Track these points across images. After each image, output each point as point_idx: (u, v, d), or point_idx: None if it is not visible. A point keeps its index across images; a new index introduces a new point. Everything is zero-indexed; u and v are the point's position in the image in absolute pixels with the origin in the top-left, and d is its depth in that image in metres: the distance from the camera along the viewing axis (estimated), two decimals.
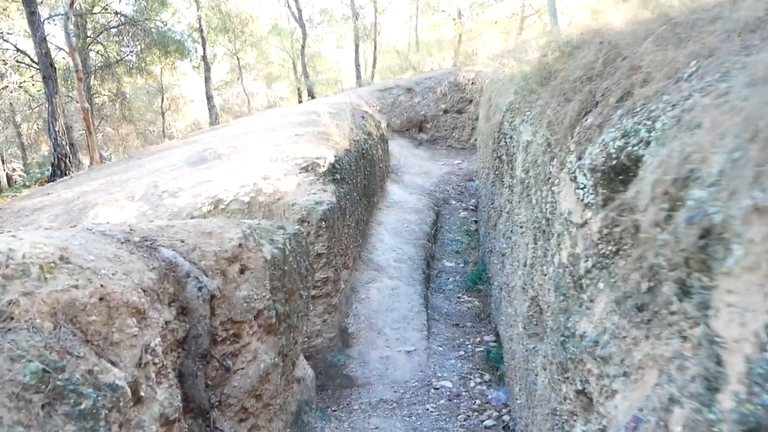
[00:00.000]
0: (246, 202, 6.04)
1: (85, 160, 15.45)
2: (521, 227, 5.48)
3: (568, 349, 3.67)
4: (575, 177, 3.62)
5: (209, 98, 16.45)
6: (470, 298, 8.08)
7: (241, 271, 3.63)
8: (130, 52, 23.31)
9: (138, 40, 22.37)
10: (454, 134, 15.19)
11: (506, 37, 26.52)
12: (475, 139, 14.57)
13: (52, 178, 11.45)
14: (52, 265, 2.29)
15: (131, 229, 3.14)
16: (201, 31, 17.21)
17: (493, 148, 8.28)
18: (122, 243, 2.95)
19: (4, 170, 19.09)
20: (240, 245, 3.62)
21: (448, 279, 8.75)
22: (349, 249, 7.04)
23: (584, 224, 3.44)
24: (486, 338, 6.96)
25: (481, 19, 28.37)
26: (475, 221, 11.27)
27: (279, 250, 4.01)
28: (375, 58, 25.18)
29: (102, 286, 2.40)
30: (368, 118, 11.50)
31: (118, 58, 23.04)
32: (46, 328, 2.04)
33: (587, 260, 3.41)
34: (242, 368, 3.60)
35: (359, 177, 8.47)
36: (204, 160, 7.75)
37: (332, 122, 8.44)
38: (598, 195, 3.18)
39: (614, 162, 2.94)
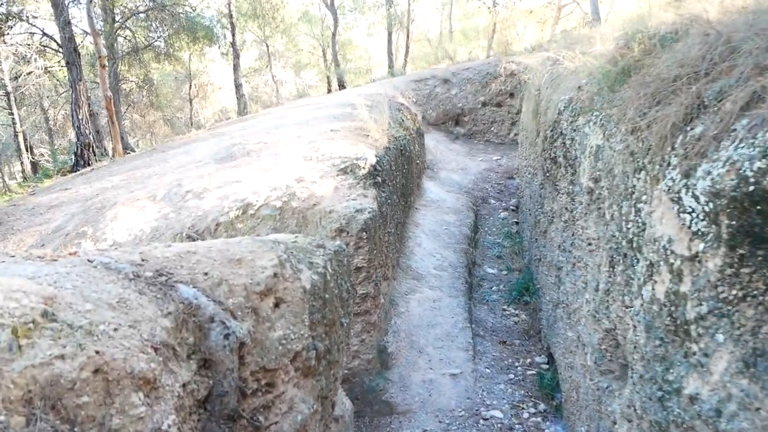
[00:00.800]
0: (278, 208, 5.44)
1: (111, 149, 15.13)
2: (589, 243, 4.78)
3: (671, 410, 2.99)
4: (679, 198, 2.94)
5: (238, 87, 15.93)
6: (516, 311, 7.40)
7: (276, 305, 3.02)
8: (158, 37, 22.95)
9: (166, 25, 21.99)
10: (492, 128, 14.42)
11: (542, 27, 25.55)
12: (516, 135, 13.79)
13: (74, 168, 11.05)
14: (31, 326, 1.68)
15: (143, 260, 2.55)
16: (231, 16, 16.65)
17: (543, 147, 7.55)
18: (130, 280, 2.34)
19: (30, 158, 18.90)
20: (275, 274, 3.02)
21: (492, 288, 8.08)
22: (389, 258, 6.42)
23: (694, 258, 2.75)
24: (537, 359, 6.29)
25: (516, 8, 27.36)
26: (516, 223, 10.55)
27: (319, 275, 3.40)
28: (407, 47, 24.39)
29: (98, 352, 1.78)
30: (404, 111, 10.83)
31: (146, 43, 22.69)
32: (14, 425, 1.44)
33: (700, 303, 2.74)
34: (276, 422, 3.00)
35: (398, 177, 7.83)
36: (232, 157, 7.19)
37: (369, 116, 7.80)
38: (720, 225, 2.50)
39: (751, 188, 2.26)
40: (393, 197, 6.97)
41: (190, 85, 31.06)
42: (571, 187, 5.74)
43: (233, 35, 16.08)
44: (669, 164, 3.33)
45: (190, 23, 21.72)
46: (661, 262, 3.25)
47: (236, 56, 16.10)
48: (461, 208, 10.49)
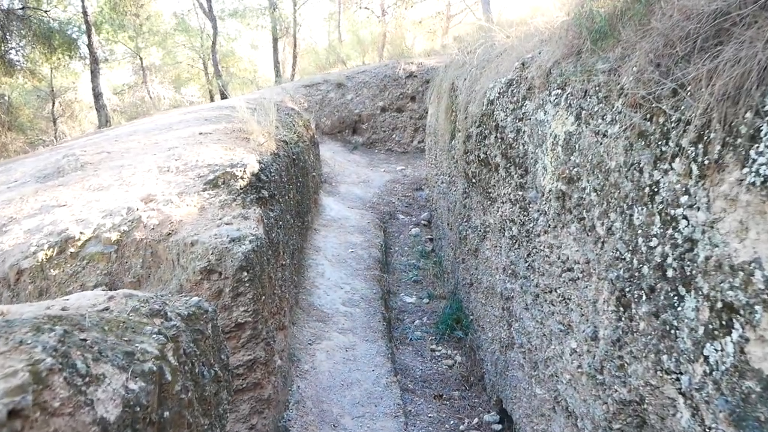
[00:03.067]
0: (113, 242, 3.62)
1: None
2: (568, 269, 3.44)
3: None
4: None
5: (97, 96, 13.49)
6: (449, 351, 5.98)
7: None
8: (10, 49, 19.64)
9: (17, 34, 18.82)
10: (394, 136, 13.12)
11: (432, 37, 25.04)
12: (421, 142, 12.59)
13: None
14: None
15: None
16: (85, 14, 14.18)
17: (465, 149, 6.27)
18: None
19: None
20: (17, 412, 1.31)
21: (414, 322, 6.62)
22: (285, 299, 4.75)
23: None
24: (486, 417, 4.87)
25: (406, 19, 26.70)
26: (431, 239, 9.24)
27: (148, 380, 1.72)
28: (295, 56, 22.77)
29: None
30: (295, 116, 9.21)
31: None
32: None
33: None
34: None
35: (292, 191, 6.19)
36: (60, 172, 5.20)
37: (252, 117, 6.12)
38: None
39: None
40: (286, 217, 5.32)
41: (53, 103, 27.35)
42: (520, 193, 4.42)
43: (89, 36, 13.62)
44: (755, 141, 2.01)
45: (45, 30, 18.71)
46: (757, 306, 1.91)
47: (94, 61, 13.65)
48: (367, 226, 9.01)
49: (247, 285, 3.48)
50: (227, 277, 3.43)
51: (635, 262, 2.62)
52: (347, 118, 12.99)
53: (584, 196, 3.20)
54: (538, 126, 4.04)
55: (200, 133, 5.59)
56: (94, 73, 13.34)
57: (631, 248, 2.66)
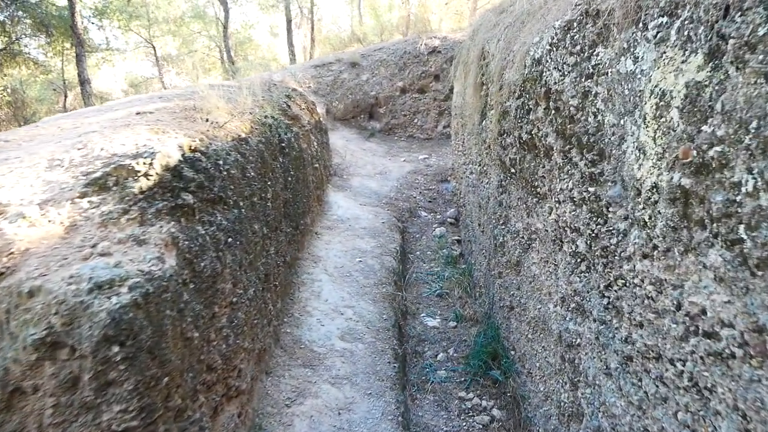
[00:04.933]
0: None
1: None
2: (711, 334, 1.82)
3: None
4: None
5: (83, 83, 12.21)
6: (482, 400, 4.41)
7: None
8: (16, 39, 18.64)
9: (18, 21, 17.79)
10: (416, 120, 11.49)
11: (459, 19, 23.40)
12: (446, 126, 10.95)
13: None
14: None
15: None
16: None
17: (500, 129, 4.70)
18: None
19: None
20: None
21: (437, 356, 5.05)
22: (241, 351, 3.24)
23: None
24: None
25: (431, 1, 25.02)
26: (458, 241, 7.65)
27: None
28: (312, 40, 21.26)
29: None
30: (295, 97, 7.69)
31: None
32: None
33: None
34: None
35: (272, 188, 4.68)
36: None
37: (214, 92, 4.63)
38: None
39: None
40: (251, 227, 3.80)
41: (65, 96, 26.49)
42: (590, 188, 2.81)
43: (72, 16, 12.30)
44: None
45: (44, 17, 17.58)
46: None
47: (78, 43, 12.35)
48: (381, 227, 7.45)
49: (124, 367, 1.97)
50: (84, 355, 1.93)
51: None
52: (362, 101, 11.41)
53: (739, 198, 1.59)
54: (622, 82, 2.44)
55: (137, 113, 4.10)
56: (79, 57, 12.03)
57: None
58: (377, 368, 4.35)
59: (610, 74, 2.63)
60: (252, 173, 4.05)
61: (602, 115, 2.72)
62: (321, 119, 8.88)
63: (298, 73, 11.43)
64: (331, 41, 21.31)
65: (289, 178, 5.73)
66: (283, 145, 5.62)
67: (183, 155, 2.84)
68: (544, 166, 3.68)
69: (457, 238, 7.73)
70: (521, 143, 4.10)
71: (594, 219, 2.79)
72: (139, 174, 2.55)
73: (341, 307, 5.19)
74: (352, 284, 5.72)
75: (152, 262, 2.23)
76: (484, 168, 5.81)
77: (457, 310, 5.81)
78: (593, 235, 2.79)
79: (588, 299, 2.87)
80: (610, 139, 2.62)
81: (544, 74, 3.52)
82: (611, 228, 2.61)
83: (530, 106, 3.85)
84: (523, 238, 4.28)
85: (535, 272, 3.97)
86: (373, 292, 5.62)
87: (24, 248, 2.21)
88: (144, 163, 2.58)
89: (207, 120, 4.10)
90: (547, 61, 3.47)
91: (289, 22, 18.59)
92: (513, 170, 4.43)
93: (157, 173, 2.60)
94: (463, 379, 4.68)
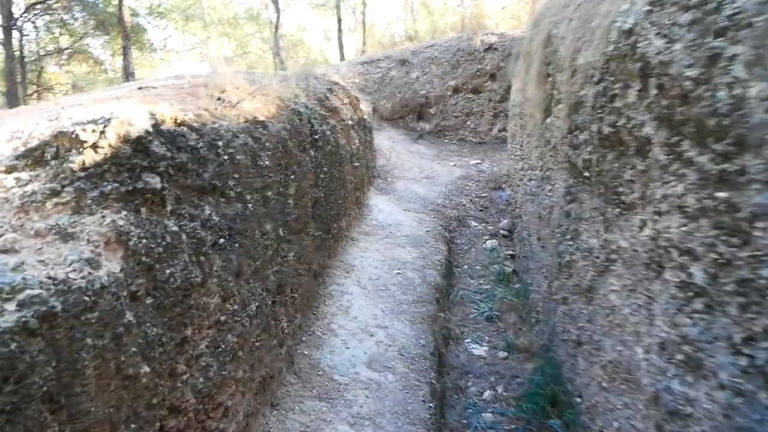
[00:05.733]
0: None
1: None
2: None
3: None
4: None
5: (127, 77, 11.93)
6: None
7: None
8: (79, 38, 18.85)
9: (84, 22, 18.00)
10: (468, 122, 10.64)
11: (516, 24, 22.50)
12: (502, 130, 10.07)
13: None
14: None
15: None
16: None
17: (569, 126, 3.86)
18: None
19: None
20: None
21: (482, 394, 4.20)
22: (231, 382, 2.51)
23: None
24: None
25: (486, 5, 24.25)
26: (512, 256, 6.77)
27: None
28: (364, 42, 20.71)
29: None
30: (337, 91, 7.00)
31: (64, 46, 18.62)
32: None
33: None
34: None
35: (296, 184, 3.97)
36: None
37: (232, 71, 3.99)
38: None
39: None
40: (267, 226, 3.08)
41: None
42: (718, 193, 1.95)
43: (120, 10, 12.05)
44: None
45: (102, 14, 17.65)
46: None
47: (125, 37, 12.11)
48: (425, 236, 6.65)
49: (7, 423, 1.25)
50: None
51: None
52: (411, 100, 10.64)
53: None
54: None
55: (139, 88, 3.47)
56: (125, 51, 11.77)
57: None
58: (408, 407, 3.55)
59: (757, 24, 1.81)
60: (267, 162, 3.33)
61: (743, 86, 1.87)
62: (365, 117, 8.18)
63: (344, 69, 10.79)
64: (384, 44, 20.74)
65: (322, 175, 5.02)
66: (315, 137, 4.92)
67: (155, 126, 2.13)
68: (634, 167, 2.83)
69: (510, 252, 6.85)
70: (601, 139, 3.26)
71: (725, 238, 1.92)
72: (84, 145, 1.85)
73: (372, 327, 4.42)
74: (387, 300, 4.94)
75: (76, 266, 1.51)
76: (547, 173, 4.95)
77: (509, 338, 4.94)
78: (722, 261, 1.93)
79: (710, 353, 2.00)
80: (758, 119, 1.77)
81: (638, 47, 2.69)
82: (758, 252, 1.75)
83: (616, 91, 3.01)
84: (597, 257, 3.41)
85: (616, 303, 3.10)
86: (411, 311, 4.83)
87: None
88: (92, 131, 1.89)
89: (218, 98, 3.42)
90: (644, 29, 2.64)
91: (339, 21, 18.09)
92: (587, 174, 3.58)
93: (110, 145, 1.89)
94: (513, 426, 3.82)
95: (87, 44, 20.17)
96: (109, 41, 20.31)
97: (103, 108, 2.54)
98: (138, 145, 2.00)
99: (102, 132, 1.89)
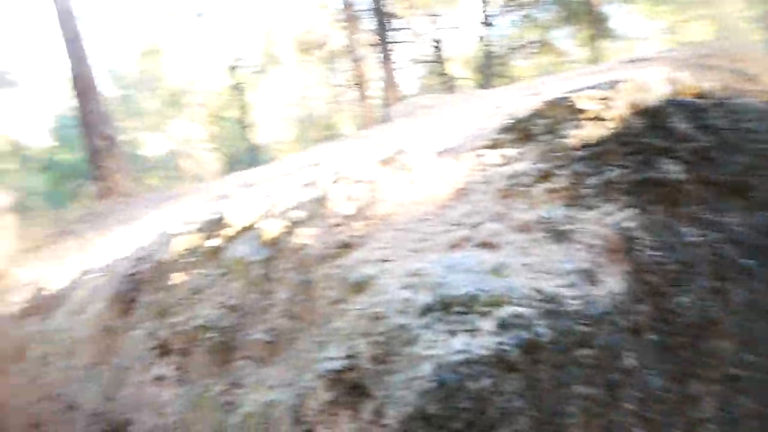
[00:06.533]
0: (269, 240, 1.64)
1: None
2: None
3: None
4: None
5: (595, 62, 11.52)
6: None
7: None
8: (545, 31, 19.93)
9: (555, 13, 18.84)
10: None
11: None
12: None
13: None
14: None
15: None
16: None
17: None
18: None
19: None
20: None
21: None
22: None
23: None
24: None
25: None
26: None
27: None
28: None
29: None
30: None
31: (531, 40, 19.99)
32: None
33: None
34: None
35: None
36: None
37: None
38: None
39: None
40: None
41: None
42: None
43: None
44: None
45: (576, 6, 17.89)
46: None
47: (594, 25, 11.66)
48: None
49: None
50: (386, 425, 0.96)
51: None
52: None
53: None
54: None
55: (630, 61, 2.95)
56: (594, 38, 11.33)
57: None
58: None
59: None
60: None
61: None
62: None
63: None
64: None
65: None
66: None
67: (674, 96, 1.54)
68: None
69: None
70: None
71: None
72: (581, 116, 1.42)
73: None
74: None
75: (570, 279, 1.08)
76: None
77: None
78: None
79: None
80: None
81: None
82: None
83: None
84: None
85: None
86: None
87: (385, 212, 1.40)
88: (593, 98, 1.43)
89: (731, 70, 2.60)
90: None
91: None
92: None
93: (617, 117, 1.40)
94: None
95: (552, 36, 20.83)
96: (575, 32, 20.48)
97: (593, 78, 2.10)
98: (654, 119, 1.46)
99: (605, 99, 1.43)
